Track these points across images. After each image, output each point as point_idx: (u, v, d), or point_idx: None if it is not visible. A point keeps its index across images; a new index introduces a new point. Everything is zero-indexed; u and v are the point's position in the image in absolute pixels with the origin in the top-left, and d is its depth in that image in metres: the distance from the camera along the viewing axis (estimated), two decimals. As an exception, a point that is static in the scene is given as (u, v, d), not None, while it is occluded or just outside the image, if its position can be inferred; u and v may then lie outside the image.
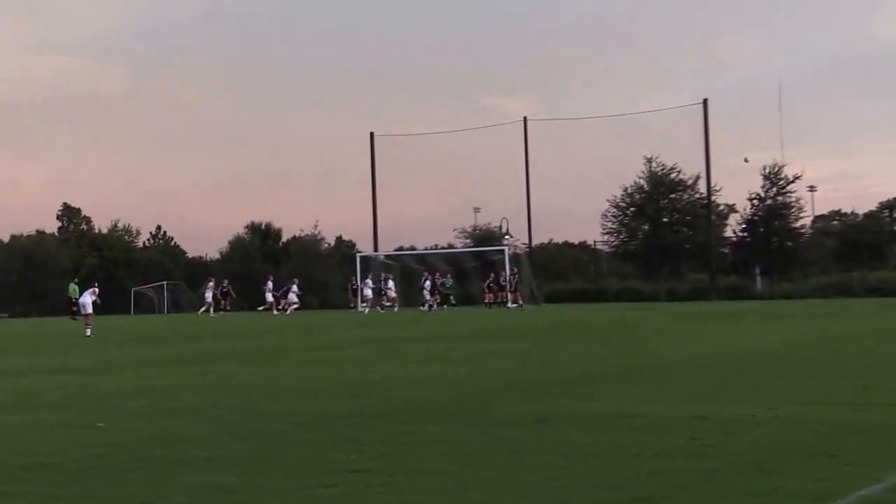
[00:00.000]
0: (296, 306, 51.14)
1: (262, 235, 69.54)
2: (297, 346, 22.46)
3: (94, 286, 31.59)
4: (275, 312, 49.12)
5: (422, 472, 7.13)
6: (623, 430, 8.70)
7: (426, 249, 62.88)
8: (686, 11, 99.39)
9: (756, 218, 58.11)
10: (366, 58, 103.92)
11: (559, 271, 63.40)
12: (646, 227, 60.35)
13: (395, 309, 50.81)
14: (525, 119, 59.83)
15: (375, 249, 60.23)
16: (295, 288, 51.56)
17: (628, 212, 60.53)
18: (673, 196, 60.42)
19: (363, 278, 52.32)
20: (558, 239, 71.04)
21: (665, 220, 60.48)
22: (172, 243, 76.63)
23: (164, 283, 65.05)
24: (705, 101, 56.77)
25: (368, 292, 51.00)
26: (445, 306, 49.42)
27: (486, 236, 61.44)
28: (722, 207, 61.19)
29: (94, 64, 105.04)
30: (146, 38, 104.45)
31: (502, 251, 53.38)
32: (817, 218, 67.03)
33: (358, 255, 57.97)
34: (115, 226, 74.66)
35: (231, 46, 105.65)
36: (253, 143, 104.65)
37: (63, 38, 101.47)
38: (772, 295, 53.47)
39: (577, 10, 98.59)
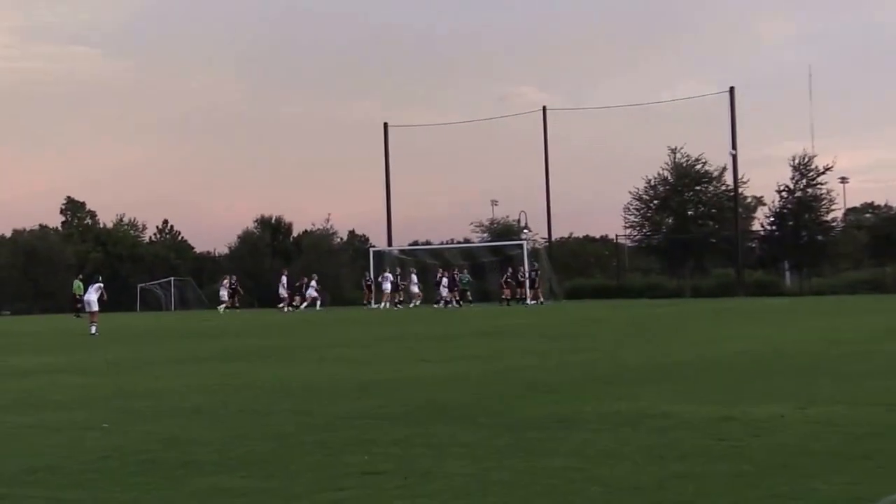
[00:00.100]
0: (318, 302, 50.94)
1: (273, 230, 67.69)
2: (308, 345, 22.25)
3: (100, 282, 30.14)
4: (287, 309, 48.79)
5: (437, 474, 7.00)
6: (647, 431, 8.54)
7: (442, 244, 62.29)
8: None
9: (785, 211, 57.25)
10: (379, 46, 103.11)
11: (580, 266, 62.85)
12: (670, 221, 59.65)
13: (418, 304, 50.60)
14: (544, 108, 59.11)
15: (389, 244, 59.74)
16: (314, 283, 51.43)
17: (652, 204, 59.77)
18: (698, 188, 59.56)
19: (383, 272, 51.91)
20: (579, 233, 70.55)
21: (690, 212, 59.71)
22: (180, 238, 74.98)
23: (171, 279, 64.06)
24: (732, 90, 55.99)
25: (388, 286, 50.59)
26: (462, 303, 49.20)
27: (504, 230, 60.81)
28: (749, 200, 60.33)
29: (99, 53, 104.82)
30: (153, 27, 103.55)
31: (521, 245, 53.01)
32: (849, 210, 66.20)
33: (371, 249, 57.35)
34: (121, 220, 72.61)
35: (241, 35, 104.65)
36: (263, 135, 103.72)
37: (68, 27, 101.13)
38: (801, 291, 52.87)
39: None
